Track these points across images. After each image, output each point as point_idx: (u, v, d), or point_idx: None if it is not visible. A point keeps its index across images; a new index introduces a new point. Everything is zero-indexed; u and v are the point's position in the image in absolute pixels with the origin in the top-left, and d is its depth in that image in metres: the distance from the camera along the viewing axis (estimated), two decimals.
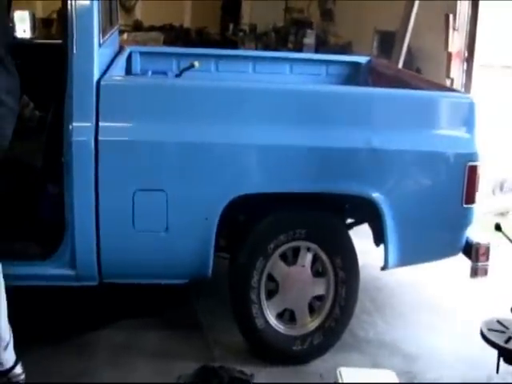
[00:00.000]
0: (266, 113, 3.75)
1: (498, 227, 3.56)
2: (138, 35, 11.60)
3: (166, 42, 12.59)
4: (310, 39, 10.24)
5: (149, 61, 5.42)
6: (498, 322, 3.59)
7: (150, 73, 5.27)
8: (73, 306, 4.49)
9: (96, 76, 3.60)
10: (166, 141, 3.63)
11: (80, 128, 3.56)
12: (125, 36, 11.41)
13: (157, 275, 3.86)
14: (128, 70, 5.30)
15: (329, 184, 3.81)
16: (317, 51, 10.06)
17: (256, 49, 12.30)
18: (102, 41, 3.73)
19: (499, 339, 3.41)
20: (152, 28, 14.33)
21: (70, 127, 3.57)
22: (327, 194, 3.85)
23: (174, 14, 16.28)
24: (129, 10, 16.91)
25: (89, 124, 3.56)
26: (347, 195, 3.90)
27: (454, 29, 6.78)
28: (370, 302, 4.92)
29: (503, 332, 3.50)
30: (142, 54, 5.44)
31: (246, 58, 5.58)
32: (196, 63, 5.21)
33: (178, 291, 4.47)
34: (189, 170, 3.66)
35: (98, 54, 3.65)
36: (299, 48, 10.66)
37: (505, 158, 7.71)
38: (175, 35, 14.36)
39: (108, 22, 4.37)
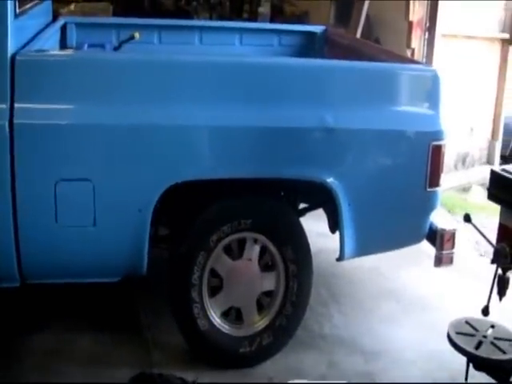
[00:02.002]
0: (205, 89, 3.34)
1: (467, 218, 3.20)
2: (85, 5, 10.99)
3: (117, 13, 12.04)
4: (264, 8, 9.82)
5: (86, 33, 4.98)
6: (467, 323, 3.24)
7: (85, 46, 4.81)
8: None
9: (10, 51, 3.14)
10: (90, 123, 3.20)
11: None
12: (72, 7, 10.85)
13: (85, 274, 3.45)
14: (63, 43, 4.86)
15: (277, 169, 3.42)
16: (272, 21, 9.65)
17: (210, 19, 11.86)
18: (18, 10, 3.26)
19: (469, 344, 3.06)
20: None
21: None
22: (275, 180, 3.46)
23: None
24: None
25: (2, 106, 3.12)
26: (298, 180, 3.51)
27: None
28: (326, 290, 4.59)
29: (473, 335, 3.15)
30: (78, 25, 4.99)
31: (191, 28, 5.16)
32: (136, 34, 4.80)
33: (116, 287, 3.97)
34: (117, 156, 3.24)
35: (14, 26, 3.19)
36: (254, 18, 10.24)
37: (466, 131, 7.48)
38: (127, 5, 13.77)
39: None
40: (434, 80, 3.59)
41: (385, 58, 4.05)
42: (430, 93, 3.60)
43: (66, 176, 3.20)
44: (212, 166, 3.35)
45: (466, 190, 7.20)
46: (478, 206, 6.45)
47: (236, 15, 11.32)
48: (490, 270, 3.26)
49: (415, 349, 3.94)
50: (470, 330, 3.17)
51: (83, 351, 3.76)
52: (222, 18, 11.50)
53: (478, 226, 3.29)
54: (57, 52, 3.40)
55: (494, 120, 7.80)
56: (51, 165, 3.19)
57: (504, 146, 8.08)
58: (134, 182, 3.25)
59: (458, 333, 3.12)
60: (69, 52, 3.93)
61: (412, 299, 4.52)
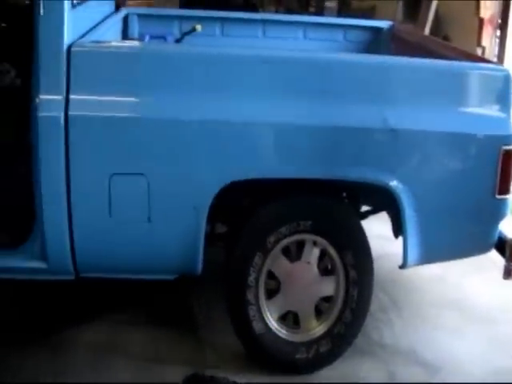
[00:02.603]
0: (266, 86, 3.21)
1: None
2: None
3: (184, 5, 12.02)
4: (331, 2, 9.64)
5: (148, 24, 4.91)
6: None
7: (147, 37, 4.74)
8: (50, 300, 4.04)
9: (67, 42, 3.07)
10: (146, 117, 3.11)
11: (47, 101, 3.06)
12: None
13: (139, 270, 3.37)
14: (125, 34, 4.80)
15: (338, 170, 3.27)
16: (339, 15, 9.49)
17: (276, 13, 11.76)
18: (75, 1, 3.18)
19: None
20: None
21: (37, 100, 3.06)
22: (336, 181, 3.31)
23: None
24: None
25: (58, 97, 3.06)
26: (360, 182, 3.35)
27: None
28: (387, 296, 4.41)
29: None
30: (140, 16, 4.92)
31: (254, 21, 5.02)
32: (198, 27, 4.71)
33: (171, 283, 3.90)
34: (174, 152, 3.14)
35: (71, 16, 3.11)
36: (321, 12, 10.09)
37: None
38: None
39: None
40: (506, 81, 3.37)
41: (453, 56, 3.84)
42: (501, 94, 3.38)
43: (121, 170, 3.12)
44: (271, 165, 3.22)
45: None
46: None
47: (303, 9, 11.19)
48: None
49: (477, 363, 3.74)
50: None
51: (136, 346, 3.70)
52: (288, 11, 11.38)
53: None
54: (112, 43, 3.30)
55: None
56: (106, 158, 3.12)
57: None
58: (189, 178, 3.15)
59: None
60: (124, 43, 3.84)
61: (476, 310, 4.30)
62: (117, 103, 3.09)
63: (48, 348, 3.62)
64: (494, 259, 3.79)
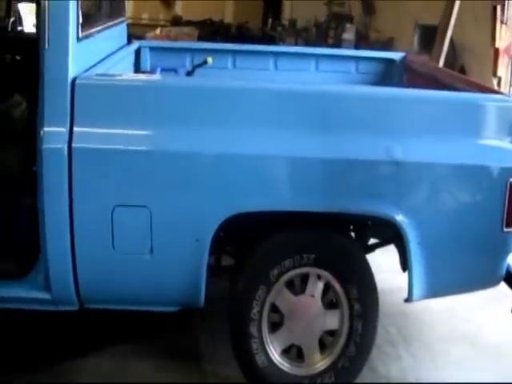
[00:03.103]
0: (269, 118, 3.21)
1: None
2: (171, 30, 11.15)
3: (202, 38, 12.17)
4: (349, 34, 9.70)
5: (160, 56, 4.94)
6: None
7: (158, 70, 4.78)
8: (56, 330, 4.02)
9: (71, 74, 3.10)
10: (149, 149, 3.13)
11: (52, 133, 3.09)
12: (157, 31, 11.02)
13: (142, 302, 3.37)
14: (138, 67, 4.85)
15: (342, 202, 3.25)
16: (357, 47, 9.52)
17: (296, 44, 11.86)
18: (82, 34, 3.22)
19: None
20: (189, 23, 13.94)
21: (41, 132, 3.10)
22: (340, 214, 3.29)
23: (216, 9, 15.97)
24: (169, 5, 16.62)
25: (62, 129, 3.09)
26: (365, 216, 3.33)
27: (501, 22, 6.13)
28: (396, 330, 4.36)
29: None
30: (152, 49, 4.96)
31: (266, 53, 5.04)
32: (209, 59, 4.74)
33: (176, 314, 3.89)
34: (176, 184, 3.14)
35: (76, 49, 3.15)
36: (339, 44, 10.14)
37: None
38: (213, 30, 13.94)
39: (102, 14, 3.92)
40: None
41: (464, 87, 3.83)
42: (508, 125, 3.35)
43: (124, 202, 3.13)
44: (274, 198, 3.21)
45: None
46: None
47: (321, 41, 11.26)
48: None
49: None
50: None
51: (140, 377, 3.68)
52: (307, 43, 11.46)
53: None
54: (117, 76, 3.32)
55: None
56: (109, 190, 3.13)
57: None
58: (191, 211, 3.15)
59: None
60: (129, 76, 3.86)
61: (487, 345, 4.24)
62: (120, 136, 3.11)
63: (51, 378, 3.62)
64: (505, 292, 3.72)
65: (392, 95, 3.49)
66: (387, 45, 9.13)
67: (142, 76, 4.35)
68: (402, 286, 3.65)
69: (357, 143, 3.22)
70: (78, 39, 3.18)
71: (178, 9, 16.83)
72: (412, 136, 3.27)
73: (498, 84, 6.39)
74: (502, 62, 6.37)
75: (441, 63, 6.59)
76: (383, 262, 3.83)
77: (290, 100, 3.25)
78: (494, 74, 6.38)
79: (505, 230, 3.34)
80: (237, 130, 3.16)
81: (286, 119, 3.21)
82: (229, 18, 16.27)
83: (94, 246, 3.19)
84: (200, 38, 11.73)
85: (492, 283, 3.54)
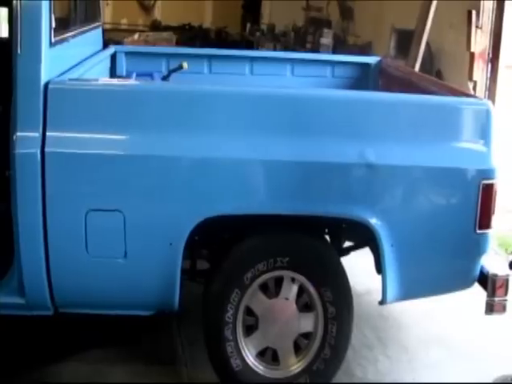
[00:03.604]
0: (243, 122, 3.23)
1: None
2: (149, 35, 11.14)
3: (181, 43, 12.18)
4: (327, 39, 9.73)
5: (136, 61, 4.95)
6: None
7: (134, 75, 4.77)
8: (31, 336, 4.00)
9: (44, 79, 3.10)
10: (123, 154, 3.13)
11: (24, 138, 3.09)
12: (135, 36, 11.01)
13: (116, 306, 3.37)
14: (114, 72, 4.85)
15: (316, 205, 3.27)
16: (335, 51, 9.56)
17: (274, 49, 11.90)
18: (54, 39, 3.22)
19: None
20: (168, 28, 13.94)
21: (14, 137, 3.09)
22: (314, 217, 3.30)
23: (195, 13, 15.99)
24: (148, 10, 16.61)
25: (35, 134, 3.08)
26: (338, 218, 3.35)
27: (477, 27, 6.18)
28: (373, 333, 4.37)
29: None
30: (127, 54, 4.97)
31: (242, 58, 5.05)
32: (185, 64, 4.73)
33: (155, 317, 3.84)
34: (150, 188, 3.15)
35: (49, 54, 3.15)
36: (317, 48, 10.18)
37: None
38: (192, 35, 13.95)
39: (76, 19, 3.92)
40: (486, 114, 3.36)
41: (437, 91, 3.85)
42: (481, 128, 3.38)
43: (97, 206, 3.14)
44: (247, 201, 3.22)
45: None
46: None
47: (300, 46, 11.30)
48: None
49: None
50: None
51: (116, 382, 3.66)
52: (285, 48, 11.50)
53: None
54: (89, 81, 3.32)
55: None
56: (82, 195, 3.14)
57: None
58: (164, 215, 3.16)
59: None
60: (101, 81, 3.86)
61: (463, 347, 4.26)
62: (94, 140, 3.11)
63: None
64: (478, 294, 3.74)
65: (366, 98, 3.51)
66: (365, 49, 9.16)
67: (115, 81, 4.34)
68: (378, 288, 3.67)
69: (330, 146, 3.24)
70: (51, 44, 3.18)
71: (158, 14, 16.83)
72: (386, 139, 3.30)
73: (474, 88, 6.43)
74: (478, 66, 6.42)
75: (417, 67, 6.64)
76: (360, 265, 3.84)
77: (263, 104, 3.27)
78: (470, 78, 6.42)
79: (478, 231, 3.37)
80: (210, 134, 3.17)
81: (259, 123, 3.23)
82: (208, 23, 16.30)
83: (67, 251, 3.19)
84: (179, 43, 11.74)
85: (466, 285, 3.56)
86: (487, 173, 3.35)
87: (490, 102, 3.44)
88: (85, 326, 4.00)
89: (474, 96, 4.10)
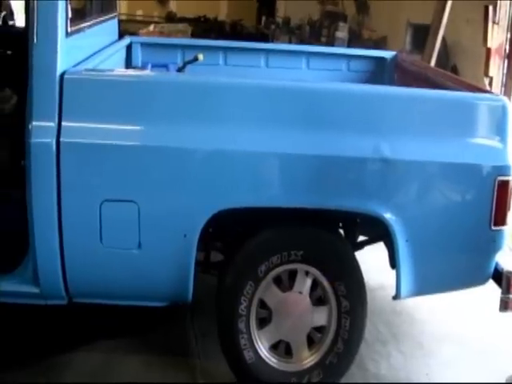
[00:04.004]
0: (259, 114, 3.21)
1: None
2: (164, 26, 11.13)
3: (196, 35, 12.16)
4: (342, 33, 9.69)
5: (151, 52, 4.94)
6: None
7: (149, 66, 4.77)
8: (45, 324, 4.02)
9: (60, 69, 3.10)
10: (138, 144, 3.13)
11: (40, 128, 3.09)
12: (151, 27, 11.00)
13: (130, 297, 3.37)
14: (129, 63, 4.84)
15: (331, 199, 3.25)
16: (350, 45, 9.52)
17: (289, 42, 11.86)
18: (70, 29, 3.22)
19: None
20: (183, 20, 13.93)
21: (30, 127, 3.09)
22: (329, 211, 3.29)
23: (210, 6, 15.98)
24: (163, 1, 16.62)
25: (50, 124, 3.09)
26: (353, 213, 3.33)
27: (493, 22, 6.11)
28: (386, 328, 4.36)
29: None
30: (143, 45, 4.96)
31: (258, 51, 5.03)
32: (200, 56, 4.71)
33: (169, 309, 3.82)
34: (165, 179, 3.14)
35: (65, 44, 3.15)
36: (332, 42, 10.14)
37: None
38: (207, 28, 13.94)
39: (92, 9, 3.92)
40: (502, 111, 3.34)
41: (453, 86, 3.83)
42: (497, 124, 3.35)
43: (112, 197, 3.13)
44: (262, 194, 3.21)
45: None
46: None
47: (315, 39, 11.26)
48: None
49: None
50: None
51: (129, 373, 3.67)
52: (301, 42, 11.46)
53: None
54: (105, 71, 3.31)
55: None
56: (97, 185, 3.14)
57: None
58: (179, 206, 3.16)
59: None
60: (117, 71, 3.85)
61: (477, 344, 4.24)
62: (109, 131, 3.11)
63: (40, 373, 3.61)
64: (493, 290, 3.72)
65: (382, 93, 3.48)
66: (380, 43, 9.12)
67: (131, 71, 4.33)
68: (391, 283, 3.66)
69: (346, 140, 3.22)
70: (67, 34, 3.18)
71: (173, 6, 16.84)
72: (402, 134, 3.28)
73: (490, 84, 6.38)
74: (494, 61, 6.36)
75: (432, 62, 6.59)
76: (373, 259, 3.82)
77: (279, 97, 3.25)
78: (486, 73, 6.36)
79: (493, 228, 3.35)
80: (226, 126, 3.16)
81: (274, 116, 3.21)
82: (223, 16, 16.28)
83: (82, 241, 3.19)
84: (194, 35, 11.72)
85: (480, 281, 3.54)
86: (503, 169, 3.32)
87: (506, 98, 3.41)
88: (98, 316, 4.01)
89: (490, 92, 4.06)
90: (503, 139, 3.33)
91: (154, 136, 3.11)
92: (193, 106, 3.16)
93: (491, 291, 3.61)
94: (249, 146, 3.17)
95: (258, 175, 3.21)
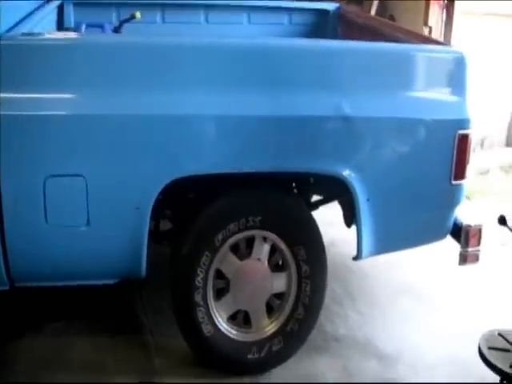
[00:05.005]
0: (209, 75, 3.02)
1: (502, 220, 2.88)
2: None
3: None
4: None
5: (84, 12, 4.67)
6: (500, 335, 2.93)
7: (83, 26, 4.50)
8: None
9: None
10: (82, 114, 2.89)
11: None
12: None
13: (79, 276, 3.16)
14: (61, 24, 4.56)
15: (288, 162, 3.12)
16: None
17: None
18: None
19: (503, 362, 2.74)
20: None
21: None
22: (286, 174, 3.16)
23: None
24: None
25: None
26: (311, 174, 3.21)
27: None
28: (341, 286, 4.31)
29: (507, 351, 2.83)
30: (76, 4, 4.68)
31: (197, 6, 4.82)
32: (137, 14, 4.48)
33: (116, 287, 3.53)
34: (112, 150, 2.93)
35: None
36: None
37: (484, 112, 7.12)
38: None
39: None
40: (461, 63, 3.26)
41: (405, 38, 3.71)
42: (456, 77, 3.28)
43: (56, 171, 2.90)
44: (216, 160, 3.04)
45: (484, 173, 6.89)
46: (497, 190, 6.19)
47: None
48: None
49: (436, 353, 3.66)
50: (503, 345, 2.86)
51: (78, 357, 3.48)
52: None
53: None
54: (45, 35, 3.05)
55: None
56: (40, 159, 2.89)
57: None
58: (129, 178, 2.96)
59: (490, 348, 2.82)
60: (56, 35, 3.59)
61: (433, 297, 4.23)
62: (50, 100, 2.87)
63: None
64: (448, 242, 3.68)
65: (336, 47, 3.35)
66: None
67: (71, 34, 4.06)
68: (343, 239, 3.58)
69: (300, 99, 3.08)
70: None
71: None
72: (358, 90, 3.16)
73: (429, 33, 6.32)
74: (433, 11, 6.30)
75: (373, 12, 6.48)
76: (322, 215, 3.70)
77: (226, 56, 3.07)
78: (425, 23, 6.30)
79: (453, 182, 3.31)
80: (173, 89, 2.96)
81: (225, 76, 3.04)
82: None
83: (24, 220, 2.95)
84: None
85: (440, 236, 3.51)
86: (463, 123, 3.27)
87: (464, 51, 3.31)
88: (39, 299, 3.82)
89: (446, 44, 3.96)
90: (462, 93, 3.28)
91: (97, 104, 2.88)
92: (135, 69, 2.95)
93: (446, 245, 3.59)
94: (198, 110, 2.99)
95: (209, 141, 3.04)
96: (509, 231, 2.94)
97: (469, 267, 3.58)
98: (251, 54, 3.12)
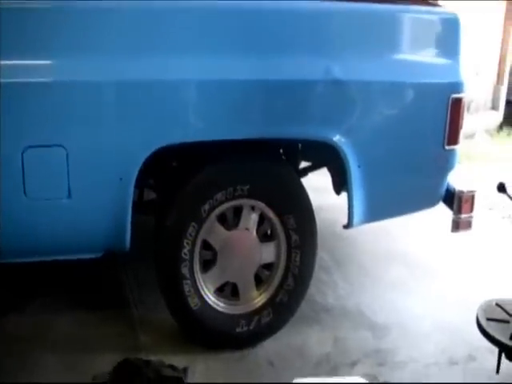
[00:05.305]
0: (189, 40, 2.86)
1: (501, 188, 2.79)
2: None
3: None
4: None
5: None
6: (498, 305, 2.86)
7: None
8: None
9: None
10: (60, 81, 2.73)
11: None
12: None
13: (61, 251, 3.02)
14: None
15: (277, 127, 3.00)
16: None
17: None
18: None
19: (502, 333, 2.67)
20: None
21: None
22: (274, 140, 3.04)
23: None
24: None
25: None
26: (300, 140, 3.10)
27: None
28: (329, 254, 4.22)
29: (506, 322, 2.76)
30: None
31: None
32: None
33: (99, 260, 3.38)
34: (94, 119, 2.78)
35: None
36: None
37: (471, 76, 7.04)
38: None
39: None
40: (454, 25, 3.18)
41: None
42: (449, 40, 3.20)
43: (35, 142, 2.75)
44: (201, 127, 2.91)
45: (470, 137, 6.83)
46: (483, 154, 6.14)
47: None
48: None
49: (427, 321, 3.61)
50: (502, 315, 2.79)
51: (61, 334, 3.36)
52: None
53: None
54: None
55: (499, 64, 7.36)
56: (18, 130, 2.73)
57: (510, 91, 7.67)
58: (112, 147, 2.82)
59: (489, 319, 2.74)
60: None
61: (423, 264, 4.16)
62: (26, 67, 2.71)
63: None
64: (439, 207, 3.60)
65: (321, 8, 3.17)
66: None
67: None
68: (329, 204, 3.47)
69: (290, 63, 2.97)
70: None
71: None
72: (350, 53, 3.06)
73: None
74: None
75: None
76: (306, 181, 3.59)
77: (211, 19, 2.91)
78: None
79: (446, 147, 3.23)
80: (154, 54, 2.82)
81: (207, 40, 2.89)
82: None
83: (2, 194, 2.80)
84: None
85: (432, 203, 3.45)
86: (456, 86, 3.19)
87: (457, 13, 3.20)
88: (25, 276, 3.71)
89: (438, 5, 3.83)
90: (456, 56, 3.20)
91: (78, 70, 2.72)
92: (116, 33, 2.79)
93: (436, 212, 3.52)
94: (182, 75, 2.85)
95: (194, 107, 2.91)
96: (508, 198, 2.84)
97: (460, 234, 3.51)
98: (237, 17, 2.97)
